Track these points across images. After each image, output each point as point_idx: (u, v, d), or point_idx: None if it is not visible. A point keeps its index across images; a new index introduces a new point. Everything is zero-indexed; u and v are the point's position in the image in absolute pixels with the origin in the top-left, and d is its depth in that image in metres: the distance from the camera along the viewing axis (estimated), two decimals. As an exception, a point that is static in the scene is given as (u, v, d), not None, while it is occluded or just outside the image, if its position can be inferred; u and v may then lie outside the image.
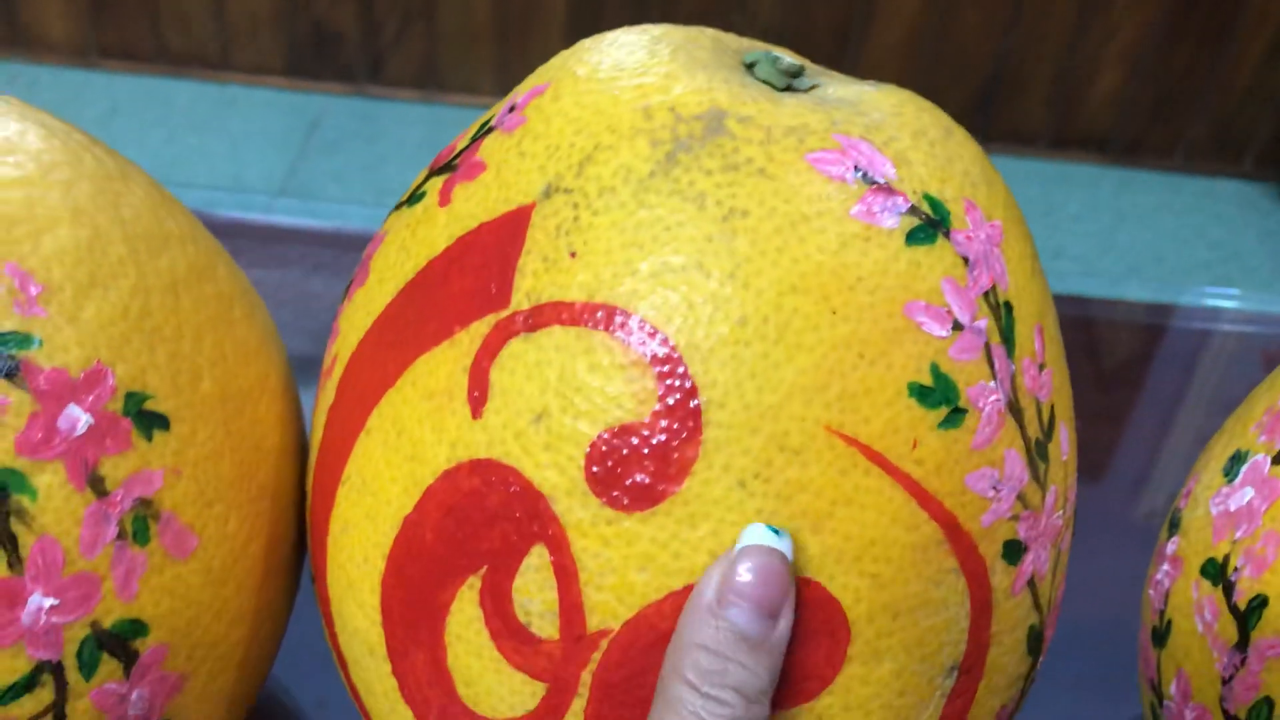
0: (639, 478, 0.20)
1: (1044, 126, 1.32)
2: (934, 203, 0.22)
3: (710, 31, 0.24)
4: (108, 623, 0.21)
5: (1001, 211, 0.23)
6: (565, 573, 0.21)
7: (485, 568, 0.21)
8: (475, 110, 1.28)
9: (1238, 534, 0.25)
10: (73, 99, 1.26)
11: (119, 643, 0.22)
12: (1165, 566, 0.28)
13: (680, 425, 0.20)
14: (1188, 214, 1.31)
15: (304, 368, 0.30)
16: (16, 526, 0.20)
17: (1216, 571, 0.26)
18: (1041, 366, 0.23)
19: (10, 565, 0.20)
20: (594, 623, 0.21)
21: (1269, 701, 0.24)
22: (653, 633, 0.21)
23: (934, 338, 0.21)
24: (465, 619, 0.21)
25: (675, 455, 0.20)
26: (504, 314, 0.21)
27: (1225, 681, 0.25)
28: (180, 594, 0.22)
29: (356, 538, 0.23)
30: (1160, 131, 1.34)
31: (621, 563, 0.20)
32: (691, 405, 0.20)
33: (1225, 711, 0.25)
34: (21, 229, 0.21)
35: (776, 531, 0.20)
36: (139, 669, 0.22)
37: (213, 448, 0.23)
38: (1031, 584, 0.23)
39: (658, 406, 0.20)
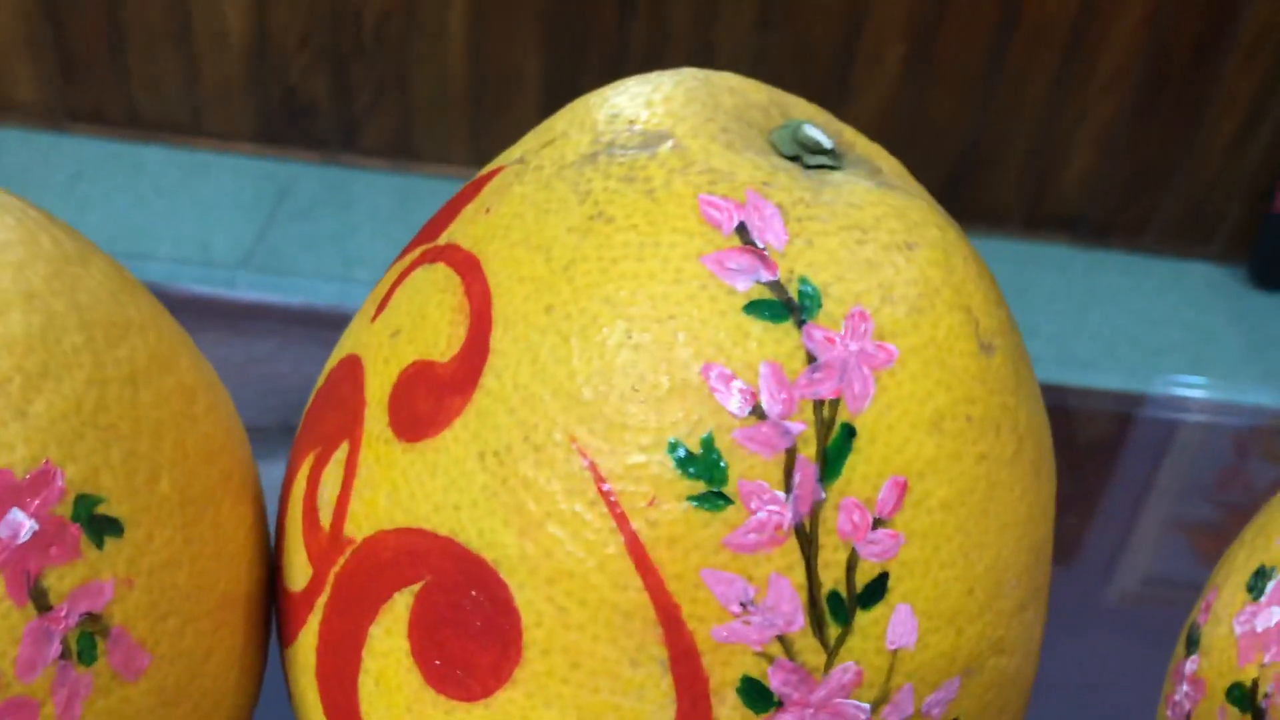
0: (416, 410, 0.21)
1: (1016, 206, 1.33)
2: (806, 289, 0.20)
3: (760, 92, 0.24)
4: (45, 753, 0.19)
5: (920, 351, 0.20)
6: (348, 473, 0.22)
7: (320, 447, 0.23)
8: (448, 181, 1.27)
9: (1266, 658, 0.24)
10: (39, 162, 1.24)
11: (57, 775, 0.19)
12: (1185, 687, 0.26)
13: (462, 378, 0.20)
14: (1160, 296, 1.32)
15: (270, 440, 0.29)
16: (-54, 648, 0.18)
17: (1244, 697, 0.24)
18: (881, 523, 0.19)
19: (-62, 691, 0.18)
20: (348, 529, 0.22)
21: (1306, 841, 0.22)
22: (373, 561, 0.21)
23: (724, 409, 0.19)
24: (298, 489, 0.23)
25: (445, 404, 0.20)
26: (428, 245, 0.23)
27: (1257, 816, 0.23)
28: (130, 715, 0.20)
29: None
30: (1132, 213, 1.35)
31: (378, 482, 0.21)
32: (476, 363, 0.20)
33: None
34: (-31, 315, 0.20)
35: None
36: (79, 804, 0.20)
37: (170, 555, 0.21)
38: None
39: (457, 353, 0.21)
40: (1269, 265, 1.31)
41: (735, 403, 0.19)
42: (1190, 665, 0.26)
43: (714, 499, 0.19)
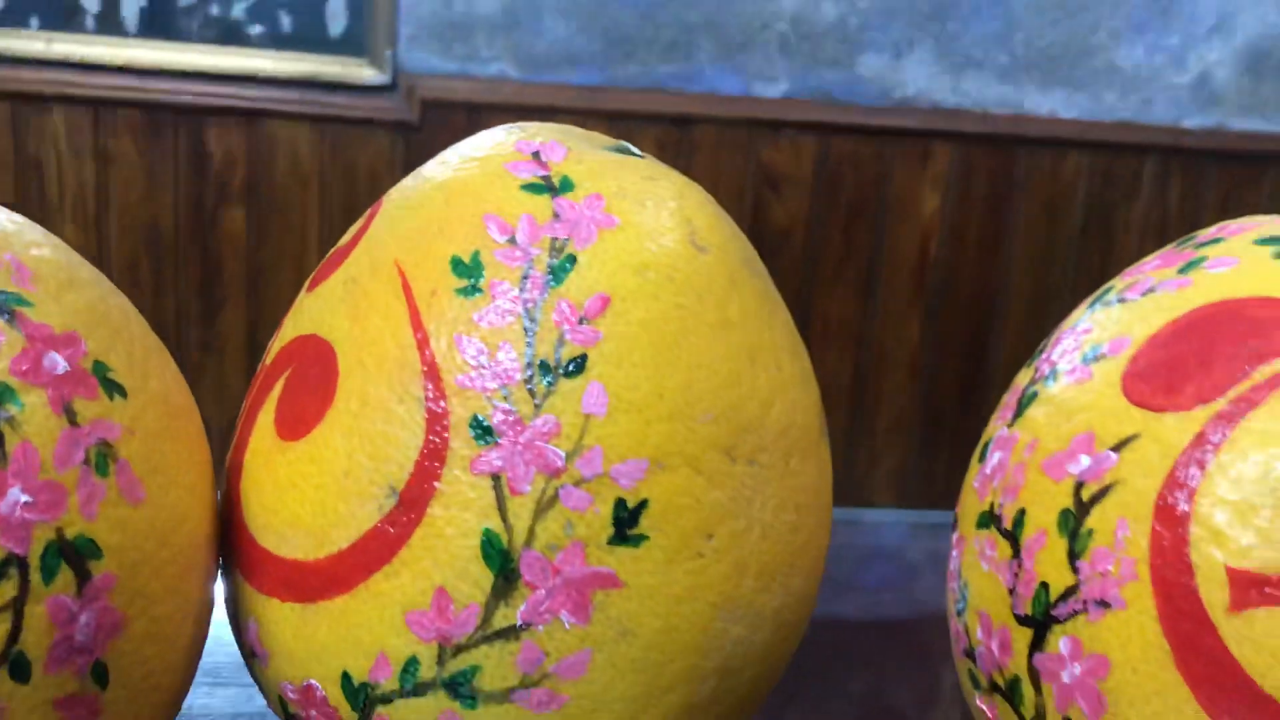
0: (323, 273, 0.32)
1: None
2: (566, 179, 0.30)
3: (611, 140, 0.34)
4: (70, 533, 0.25)
5: (637, 225, 0.29)
6: (282, 323, 0.33)
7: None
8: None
9: (994, 482, 0.32)
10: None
11: (77, 557, 0.25)
12: (953, 553, 0.33)
13: (348, 248, 0.32)
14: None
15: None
16: (4, 428, 0.24)
17: (987, 517, 0.32)
18: (586, 321, 0.28)
19: (-4, 459, 0.24)
20: (270, 358, 0.32)
21: (1045, 586, 0.29)
22: (272, 367, 0.32)
23: (489, 237, 0.29)
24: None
25: (335, 263, 0.32)
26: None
27: (1012, 591, 0.30)
28: (130, 533, 0.26)
29: None
30: (936, 546, 1.47)
31: (292, 317, 0.32)
32: (358, 238, 0.32)
33: (1016, 616, 0.30)
34: (19, 240, 0.27)
35: None
36: (90, 590, 0.25)
37: (159, 429, 0.27)
38: (498, 485, 0.27)
39: (352, 237, 0.32)
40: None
41: (497, 234, 0.29)
42: (954, 536, 0.33)
43: (472, 290, 0.28)
